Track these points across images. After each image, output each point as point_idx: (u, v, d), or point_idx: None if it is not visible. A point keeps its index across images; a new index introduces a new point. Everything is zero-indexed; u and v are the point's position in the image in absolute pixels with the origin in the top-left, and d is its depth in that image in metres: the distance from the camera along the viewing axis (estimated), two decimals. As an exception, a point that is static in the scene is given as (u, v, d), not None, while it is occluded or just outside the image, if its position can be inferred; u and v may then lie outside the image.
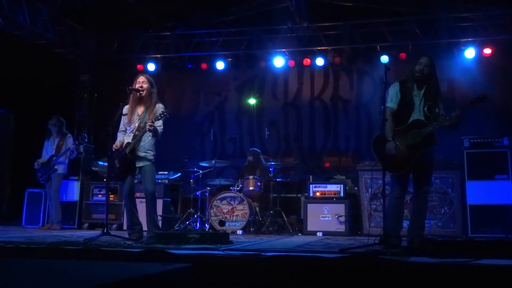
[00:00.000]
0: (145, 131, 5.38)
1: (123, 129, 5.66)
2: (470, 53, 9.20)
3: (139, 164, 5.50)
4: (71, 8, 9.42)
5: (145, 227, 5.68)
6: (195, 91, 11.06)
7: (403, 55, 9.40)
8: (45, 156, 8.52)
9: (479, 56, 9.22)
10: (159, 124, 5.44)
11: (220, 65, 10.39)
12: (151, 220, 5.51)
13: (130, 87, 5.52)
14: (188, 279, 3.01)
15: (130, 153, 5.44)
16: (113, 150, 5.56)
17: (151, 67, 10.51)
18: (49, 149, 8.53)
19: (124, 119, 5.63)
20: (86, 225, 9.01)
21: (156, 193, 5.74)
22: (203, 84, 10.96)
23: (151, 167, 5.54)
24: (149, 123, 5.30)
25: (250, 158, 9.09)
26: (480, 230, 7.13)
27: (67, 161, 8.55)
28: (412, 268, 3.39)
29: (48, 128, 8.62)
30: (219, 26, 10.16)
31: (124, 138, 5.60)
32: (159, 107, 5.53)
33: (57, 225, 8.30)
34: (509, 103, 8.74)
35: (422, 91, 4.78)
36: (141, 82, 5.53)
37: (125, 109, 5.63)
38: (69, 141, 8.50)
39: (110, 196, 8.73)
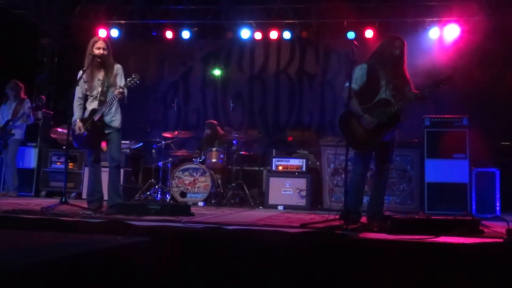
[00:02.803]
0: (115, 98, 5.29)
1: (80, 96, 5.49)
2: (434, 32, 9.31)
3: (107, 130, 5.42)
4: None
5: (105, 197, 5.60)
6: (159, 60, 10.86)
7: (369, 32, 9.43)
8: (0, 120, 8.26)
9: (443, 36, 9.33)
10: (121, 84, 5.38)
11: (186, 34, 10.20)
12: (115, 188, 5.44)
13: (91, 53, 5.38)
14: (148, 251, 2.98)
15: (99, 120, 5.34)
16: (76, 135, 5.42)
17: (114, 33, 10.23)
18: (5, 113, 8.28)
19: (83, 85, 5.48)
20: (43, 193, 8.84)
21: (119, 162, 5.66)
22: (168, 53, 10.77)
23: (118, 134, 5.49)
24: (119, 90, 5.23)
25: (208, 131, 9.02)
26: (436, 207, 7.29)
27: (24, 126, 8.32)
28: (371, 243, 3.45)
29: (6, 92, 8.34)
30: (185, -6, 9.94)
31: (80, 112, 5.47)
32: (118, 68, 5.50)
33: (13, 192, 8.11)
34: (471, 83, 8.89)
35: (390, 72, 4.79)
36: (101, 47, 5.39)
37: (84, 75, 5.46)
38: (26, 105, 8.26)
39: (69, 164, 8.56)
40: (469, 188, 7.32)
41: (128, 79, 5.34)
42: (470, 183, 7.34)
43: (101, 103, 5.38)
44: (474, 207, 7.32)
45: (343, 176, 7.15)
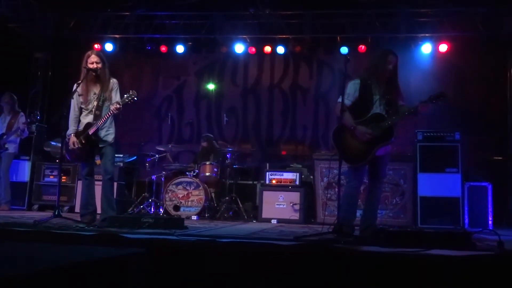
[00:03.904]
0: (111, 114, 5.31)
1: (75, 109, 5.51)
2: (426, 48, 9.40)
3: (101, 144, 5.43)
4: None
5: (98, 210, 5.59)
6: (153, 74, 10.88)
7: (362, 47, 9.52)
8: (-5, 134, 8.25)
9: (435, 52, 9.42)
10: (118, 100, 5.40)
11: (180, 48, 10.25)
12: (108, 201, 5.44)
13: (86, 67, 5.41)
14: (142, 264, 2.97)
15: (93, 134, 5.35)
16: (70, 149, 5.43)
17: (109, 47, 10.25)
18: (-1, 126, 8.27)
19: (78, 99, 5.50)
20: (36, 206, 8.80)
21: (112, 175, 5.66)
22: (162, 67, 10.80)
23: (112, 148, 5.52)
24: (116, 106, 5.25)
25: (204, 144, 9.01)
26: (429, 221, 7.32)
27: (18, 140, 8.31)
28: (364, 257, 3.46)
29: (0, 105, 8.34)
30: (180, 8, 9.96)
31: (75, 125, 5.48)
32: (113, 82, 5.53)
33: (5, 206, 8.08)
34: (462, 99, 8.98)
35: (383, 87, 4.83)
36: (95, 61, 5.41)
37: (79, 89, 5.49)
38: (21, 120, 8.25)
39: (63, 177, 8.53)
40: (461, 202, 7.35)
41: (125, 96, 5.36)
42: (462, 197, 7.38)
43: (96, 117, 5.40)
44: (466, 221, 7.36)
45: (336, 189, 7.16)
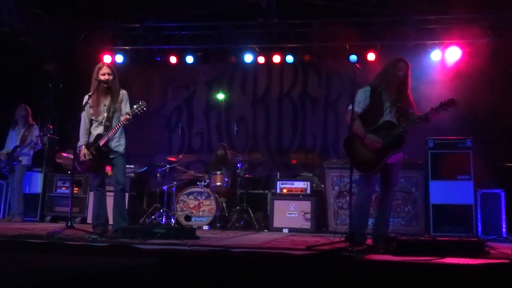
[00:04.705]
0: (122, 125, 5.35)
1: (86, 121, 5.56)
2: (436, 55, 9.37)
3: (111, 155, 5.47)
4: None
5: (110, 221, 5.62)
6: (163, 85, 10.95)
7: (371, 55, 9.51)
8: (8, 146, 8.33)
9: (445, 58, 9.39)
10: (128, 111, 5.44)
11: (189, 59, 10.31)
12: (120, 212, 5.47)
13: (97, 78, 5.45)
14: (154, 275, 2.98)
15: (104, 145, 5.39)
16: (81, 160, 5.46)
17: (119, 58, 10.35)
18: (13, 139, 8.34)
19: (89, 110, 5.55)
20: (48, 218, 8.84)
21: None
22: (171, 78, 10.86)
23: (123, 159, 5.55)
24: (126, 117, 5.30)
25: (221, 151, 9.01)
26: (441, 229, 7.26)
27: (31, 152, 8.38)
28: (377, 265, 3.44)
29: (15, 118, 8.42)
30: (189, 19, 10.04)
31: (86, 137, 5.53)
32: (123, 94, 5.58)
33: (18, 217, 8.12)
34: (473, 105, 8.92)
35: (394, 94, 4.83)
36: (106, 73, 5.46)
37: (90, 100, 5.53)
38: (35, 133, 8.32)
39: (74, 188, 8.57)
40: (474, 209, 7.29)
41: (135, 106, 5.40)
42: (475, 204, 7.32)
43: (107, 128, 5.44)
44: (479, 228, 7.30)
45: (347, 198, 7.14)
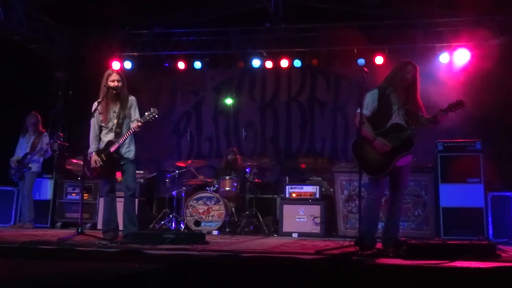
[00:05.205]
0: (133, 131, 5.38)
1: (96, 127, 5.59)
2: (444, 58, 9.35)
3: (122, 161, 5.51)
4: (46, 4, 9.26)
5: (120, 227, 5.64)
6: (172, 91, 10.99)
7: (379, 58, 9.49)
8: (19, 153, 8.40)
9: (453, 61, 9.35)
10: (139, 118, 5.49)
11: (197, 64, 10.36)
12: (130, 217, 5.50)
13: (106, 85, 5.48)
14: (164, 280, 2.99)
15: (114, 152, 5.42)
16: (92, 167, 5.50)
17: (127, 65, 10.41)
18: (23, 146, 8.42)
19: (98, 117, 5.58)
20: (59, 224, 8.89)
21: (133, 192, 5.71)
22: (180, 84, 10.91)
23: (133, 164, 5.58)
24: (138, 124, 5.35)
25: (232, 156, 9.03)
26: (452, 232, 7.23)
27: (41, 159, 8.45)
28: (387, 270, 3.43)
29: (25, 125, 8.50)
30: (197, 25, 10.09)
31: (96, 143, 5.56)
32: (132, 100, 5.62)
33: (29, 224, 8.18)
34: (483, 108, 8.88)
35: (402, 97, 4.83)
36: (115, 80, 5.49)
37: (99, 107, 5.56)
38: (45, 140, 8.39)
39: (84, 195, 8.62)
40: (485, 212, 7.25)
41: (146, 113, 5.44)
42: (485, 207, 7.28)
43: (117, 134, 5.48)
44: (490, 231, 7.25)
45: (357, 202, 7.12)
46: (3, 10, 8.58)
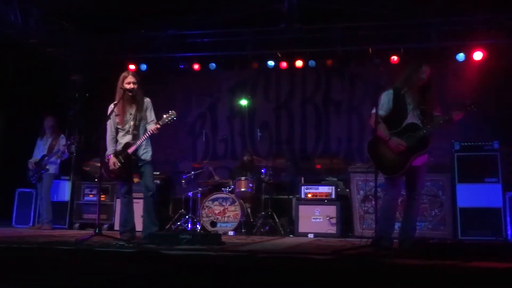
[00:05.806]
0: (151, 133, 5.43)
1: (112, 130, 5.63)
2: (460, 57, 9.26)
3: (140, 163, 5.55)
4: (63, 8, 9.35)
5: (138, 228, 5.69)
6: (187, 92, 11.04)
7: (394, 58, 9.43)
8: (36, 155, 8.51)
9: (470, 60, 9.27)
10: (156, 120, 5.54)
11: (212, 66, 10.39)
12: (150, 217, 5.55)
13: (122, 87, 5.52)
14: (181, 280, 3.01)
15: (132, 154, 5.47)
16: (110, 169, 5.54)
17: (142, 67, 10.49)
18: (41, 148, 8.52)
19: (115, 119, 5.62)
20: (77, 225, 8.97)
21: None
22: (195, 85, 10.95)
23: (150, 166, 5.63)
24: (156, 127, 5.41)
25: (248, 157, 9.06)
26: (469, 233, 7.16)
27: (58, 161, 8.54)
28: (404, 270, 3.42)
29: (43, 127, 8.60)
30: (211, 27, 10.11)
31: (114, 145, 5.61)
32: (147, 102, 5.68)
33: (47, 225, 8.27)
34: (500, 107, 8.80)
35: (417, 97, 4.81)
36: (131, 82, 5.54)
37: (116, 109, 5.60)
38: (62, 142, 8.49)
39: (102, 196, 8.69)
40: (503, 212, 7.18)
41: (164, 116, 5.48)
42: (504, 207, 7.21)
43: (134, 136, 5.52)
44: (509, 232, 7.17)
45: (373, 202, 7.10)
46: (21, 15, 8.69)
